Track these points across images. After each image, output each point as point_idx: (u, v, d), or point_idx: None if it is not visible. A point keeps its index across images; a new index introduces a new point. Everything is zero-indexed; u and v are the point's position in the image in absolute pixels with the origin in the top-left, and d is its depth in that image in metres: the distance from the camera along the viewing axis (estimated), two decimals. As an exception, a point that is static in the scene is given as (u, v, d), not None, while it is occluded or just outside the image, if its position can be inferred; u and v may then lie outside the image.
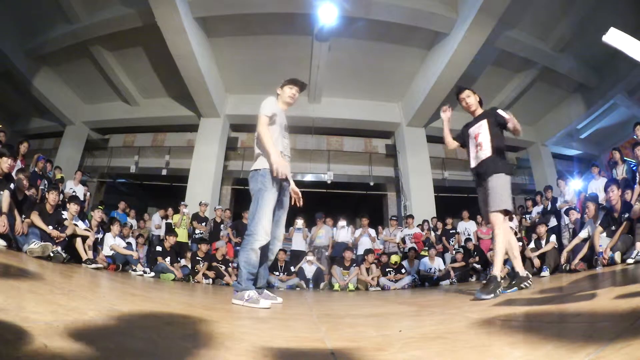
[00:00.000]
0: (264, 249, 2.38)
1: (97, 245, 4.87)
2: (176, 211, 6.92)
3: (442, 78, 7.29)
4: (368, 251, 6.06)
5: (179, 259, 5.70)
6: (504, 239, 2.51)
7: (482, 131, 2.66)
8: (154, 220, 7.11)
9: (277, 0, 6.44)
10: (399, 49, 7.62)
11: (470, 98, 2.79)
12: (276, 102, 2.54)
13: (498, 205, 2.47)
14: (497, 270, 2.41)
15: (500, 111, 2.62)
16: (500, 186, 2.50)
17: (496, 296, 2.21)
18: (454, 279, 5.84)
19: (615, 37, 1.43)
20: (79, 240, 4.31)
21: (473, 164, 2.72)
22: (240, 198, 10.08)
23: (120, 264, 5.01)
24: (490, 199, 2.51)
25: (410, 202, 8.59)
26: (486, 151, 2.61)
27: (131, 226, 6.62)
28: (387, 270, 5.88)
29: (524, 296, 2.21)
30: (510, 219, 6.57)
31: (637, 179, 4.63)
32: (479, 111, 2.81)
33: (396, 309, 2.21)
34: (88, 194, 7.38)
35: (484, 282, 2.42)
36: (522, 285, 2.54)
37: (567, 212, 5.65)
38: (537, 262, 4.79)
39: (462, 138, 2.88)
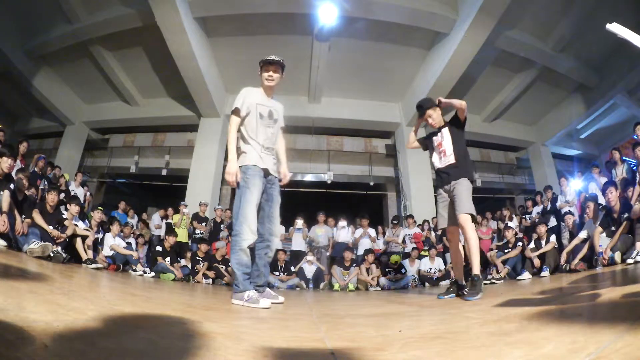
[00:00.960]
0: (261, 247, 2.33)
1: (97, 245, 4.87)
2: (176, 211, 6.92)
3: (442, 78, 7.29)
4: (368, 251, 6.06)
5: (179, 259, 5.70)
6: (474, 237, 2.67)
7: (444, 139, 2.87)
8: (154, 220, 7.11)
9: (277, 0, 6.44)
10: (399, 49, 7.62)
11: (433, 116, 2.93)
12: (254, 91, 2.40)
13: (467, 209, 2.63)
14: (477, 269, 2.57)
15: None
16: (466, 190, 2.69)
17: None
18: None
19: (618, 28, 1.45)
20: (79, 240, 4.31)
21: (437, 166, 2.91)
22: (240, 198, 10.08)
23: (120, 264, 5.00)
24: (460, 203, 2.67)
25: (410, 202, 8.59)
26: (450, 157, 2.81)
27: (132, 226, 6.61)
28: (387, 270, 5.88)
29: (524, 296, 2.21)
30: (514, 220, 6.57)
31: (637, 178, 4.63)
32: (442, 123, 2.97)
33: (396, 309, 2.21)
34: (88, 193, 7.39)
35: (471, 282, 2.55)
36: (459, 293, 2.68)
37: (563, 217, 5.63)
38: (537, 262, 4.79)
39: (425, 144, 3.10)
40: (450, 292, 2.76)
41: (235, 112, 2.30)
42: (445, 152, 2.83)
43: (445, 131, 2.87)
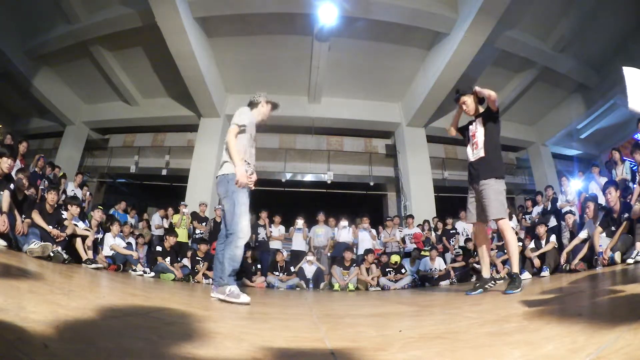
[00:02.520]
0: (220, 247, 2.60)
1: (97, 245, 4.87)
2: (176, 211, 6.92)
3: (442, 78, 7.29)
4: (368, 251, 6.06)
5: (179, 258, 5.69)
6: (513, 239, 2.70)
7: (477, 130, 2.79)
8: (154, 220, 7.11)
9: (277, 0, 6.44)
10: (399, 49, 7.62)
11: (467, 102, 2.86)
12: (251, 112, 2.68)
13: (499, 214, 2.62)
14: (516, 268, 2.62)
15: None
16: (495, 193, 2.63)
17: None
18: (454, 279, 5.84)
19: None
20: (79, 240, 4.31)
21: (469, 159, 2.86)
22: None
23: (120, 264, 5.00)
24: (488, 208, 2.64)
25: (410, 202, 8.58)
26: (480, 150, 2.74)
27: (132, 225, 6.60)
28: (387, 270, 5.88)
29: (524, 296, 2.21)
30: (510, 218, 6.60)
31: (637, 179, 4.63)
32: (479, 111, 2.88)
33: (396, 309, 2.21)
34: (88, 193, 7.38)
35: (510, 279, 2.62)
36: (486, 287, 2.73)
37: (563, 217, 5.62)
38: (537, 262, 4.79)
39: (463, 132, 3.02)
40: (477, 289, 2.73)
41: (242, 127, 2.54)
42: (477, 144, 2.76)
43: (479, 121, 2.79)
